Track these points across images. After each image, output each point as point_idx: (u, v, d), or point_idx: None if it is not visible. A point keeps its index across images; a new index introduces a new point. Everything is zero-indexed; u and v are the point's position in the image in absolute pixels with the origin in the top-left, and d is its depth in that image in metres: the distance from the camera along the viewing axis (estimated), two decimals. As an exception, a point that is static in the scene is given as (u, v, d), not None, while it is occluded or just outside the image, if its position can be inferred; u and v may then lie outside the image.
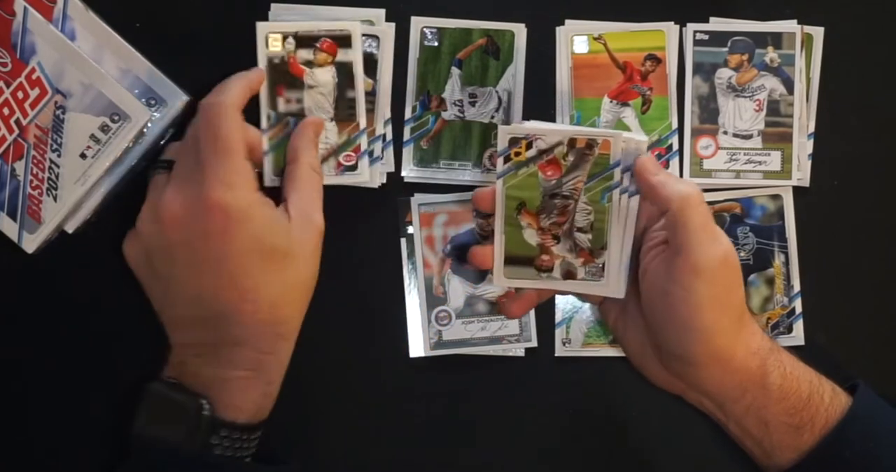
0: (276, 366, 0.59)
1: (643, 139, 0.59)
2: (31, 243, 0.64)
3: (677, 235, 0.56)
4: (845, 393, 0.60)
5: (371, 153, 0.65)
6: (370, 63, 0.65)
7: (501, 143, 0.59)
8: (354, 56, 0.64)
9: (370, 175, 0.65)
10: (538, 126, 0.60)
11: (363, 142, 0.64)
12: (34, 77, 0.62)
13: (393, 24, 0.65)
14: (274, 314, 0.58)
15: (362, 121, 0.64)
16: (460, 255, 0.66)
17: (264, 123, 0.63)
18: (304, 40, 0.63)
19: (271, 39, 0.63)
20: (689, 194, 0.56)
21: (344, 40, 0.64)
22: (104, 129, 0.63)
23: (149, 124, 0.63)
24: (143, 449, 0.58)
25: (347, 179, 0.64)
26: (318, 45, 0.63)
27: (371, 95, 0.65)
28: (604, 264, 0.60)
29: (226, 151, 0.57)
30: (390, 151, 0.66)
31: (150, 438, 0.57)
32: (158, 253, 0.59)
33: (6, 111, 0.63)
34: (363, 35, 0.64)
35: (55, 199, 0.63)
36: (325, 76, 0.64)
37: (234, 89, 0.60)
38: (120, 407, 0.65)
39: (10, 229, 0.64)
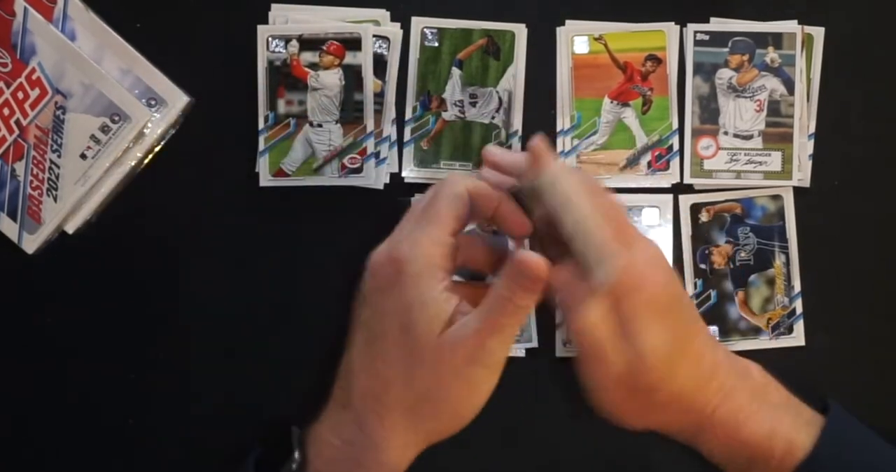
0: (370, 452, 0.56)
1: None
2: (31, 244, 0.64)
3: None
4: (809, 434, 0.57)
5: (378, 154, 0.65)
6: (380, 64, 0.65)
7: None
8: (364, 58, 0.64)
9: (375, 176, 0.65)
10: None
11: (370, 144, 0.64)
12: (34, 77, 0.62)
13: (398, 24, 0.65)
14: (384, 392, 0.54)
15: (369, 123, 0.64)
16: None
17: (262, 123, 0.63)
18: (308, 43, 0.63)
19: (273, 43, 0.63)
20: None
21: (352, 43, 0.64)
22: (104, 129, 0.63)
23: (149, 125, 0.63)
24: None
25: (352, 182, 0.64)
26: (324, 47, 0.63)
27: (379, 97, 0.65)
28: None
29: (430, 220, 0.54)
30: (393, 151, 0.66)
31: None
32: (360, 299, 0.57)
33: (6, 112, 0.63)
34: (373, 36, 0.64)
35: (55, 199, 0.63)
36: (331, 79, 0.64)
37: (470, 180, 0.56)
38: (119, 407, 0.65)
39: (10, 230, 0.64)
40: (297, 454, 0.55)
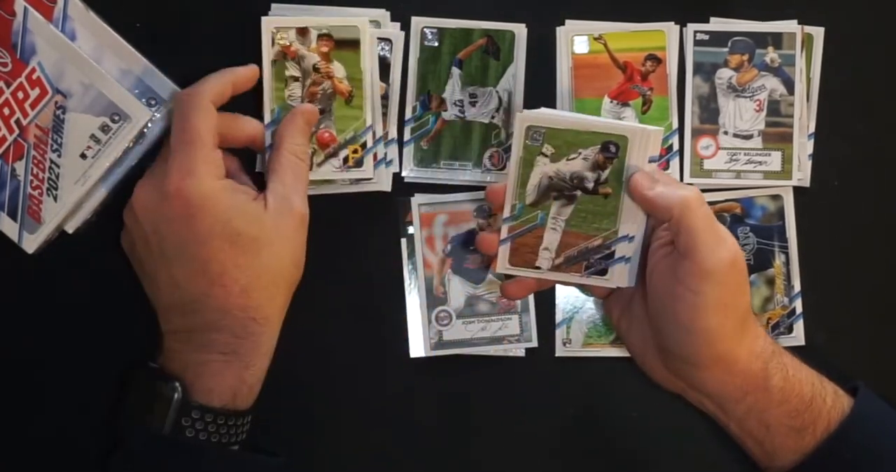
0: (252, 351, 0.59)
1: (657, 129, 0.59)
2: (31, 243, 0.64)
3: (683, 239, 0.56)
4: (847, 395, 0.60)
5: (385, 156, 0.65)
6: (383, 67, 0.65)
7: (518, 131, 0.59)
8: (363, 52, 0.64)
9: (379, 177, 0.65)
10: (554, 115, 0.60)
11: (369, 138, 0.64)
12: (34, 77, 0.62)
13: (398, 24, 0.66)
14: (245, 299, 0.58)
15: (368, 117, 0.64)
16: (467, 241, 0.66)
17: (267, 117, 0.63)
18: (312, 34, 0.64)
19: (279, 34, 0.63)
20: (688, 198, 0.56)
21: (351, 42, 0.64)
22: (104, 129, 0.63)
23: (149, 124, 0.63)
24: (125, 436, 0.59)
25: (353, 175, 0.64)
26: (324, 40, 0.64)
27: (385, 99, 0.65)
28: (613, 254, 0.60)
29: (191, 141, 0.58)
30: (393, 149, 0.66)
31: (131, 424, 0.59)
32: (138, 243, 0.61)
33: (6, 111, 0.63)
34: (378, 38, 0.65)
35: (55, 199, 0.63)
36: (338, 70, 0.64)
37: (211, 82, 0.61)
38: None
39: (10, 229, 0.64)
40: (175, 383, 0.58)
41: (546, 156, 0.59)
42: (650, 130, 0.58)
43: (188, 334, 0.59)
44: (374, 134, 0.64)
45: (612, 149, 0.58)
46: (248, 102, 0.64)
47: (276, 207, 0.60)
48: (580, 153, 0.59)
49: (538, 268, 0.60)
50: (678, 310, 0.57)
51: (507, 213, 0.60)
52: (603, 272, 0.60)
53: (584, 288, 0.66)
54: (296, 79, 0.64)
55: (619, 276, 0.60)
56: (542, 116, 0.59)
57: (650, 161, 0.58)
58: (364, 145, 0.64)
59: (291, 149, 0.61)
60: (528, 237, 0.60)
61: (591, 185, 0.59)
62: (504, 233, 0.61)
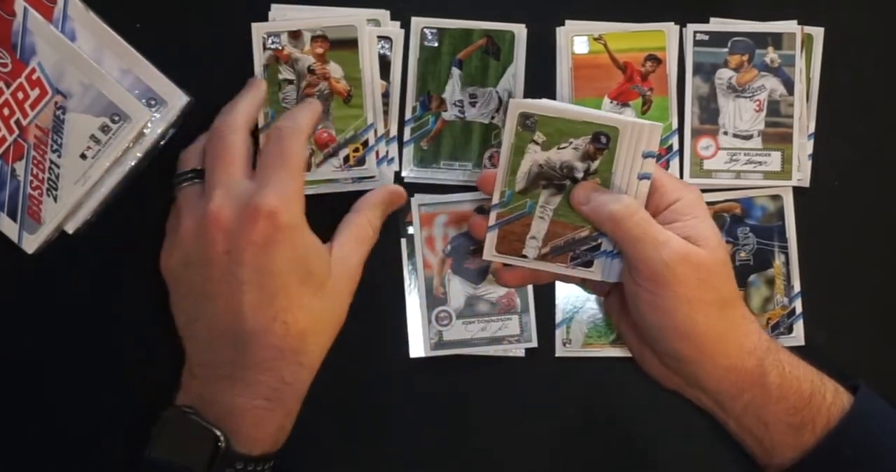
0: (295, 398, 0.59)
1: (653, 124, 0.58)
2: (31, 244, 0.64)
3: (623, 249, 0.58)
4: (847, 393, 0.60)
5: (387, 154, 0.65)
6: (384, 66, 0.65)
7: (511, 117, 0.59)
8: (361, 51, 0.64)
9: (381, 175, 0.65)
10: (548, 104, 0.60)
11: (370, 137, 0.64)
12: (34, 77, 0.62)
13: (398, 23, 0.66)
14: (301, 342, 0.57)
15: (370, 115, 0.64)
16: (467, 241, 0.66)
17: (261, 120, 0.63)
18: (304, 37, 0.64)
19: (269, 39, 0.63)
20: (615, 214, 0.57)
21: (350, 42, 0.64)
22: (104, 129, 0.63)
23: (149, 125, 0.63)
24: None
25: (357, 174, 0.64)
26: (319, 42, 0.64)
27: (385, 97, 0.65)
28: (599, 246, 0.60)
29: (291, 169, 0.58)
30: (392, 147, 0.66)
31: (163, 465, 0.57)
32: (199, 264, 0.57)
33: (6, 112, 0.63)
34: (378, 37, 0.65)
35: (55, 199, 0.63)
36: (335, 70, 0.64)
37: (305, 116, 0.61)
38: (122, 408, 0.65)
39: (10, 230, 0.64)
40: (217, 432, 0.56)
41: (537, 144, 0.59)
42: (643, 124, 0.58)
43: (231, 371, 0.56)
44: (375, 132, 0.65)
45: (602, 140, 0.58)
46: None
47: (339, 258, 0.60)
48: (571, 143, 0.59)
49: (525, 256, 0.60)
50: (643, 310, 0.58)
51: (496, 199, 0.60)
52: (588, 264, 0.60)
53: (584, 286, 0.66)
54: (290, 82, 0.64)
55: (604, 269, 0.60)
56: (536, 103, 0.59)
57: (647, 157, 0.58)
58: (365, 144, 0.65)
59: (370, 219, 0.62)
60: (515, 225, 0.60)
61: (580, 175, 0.59)
62: (492, 219, 0.60)
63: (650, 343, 0.61)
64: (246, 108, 0.61)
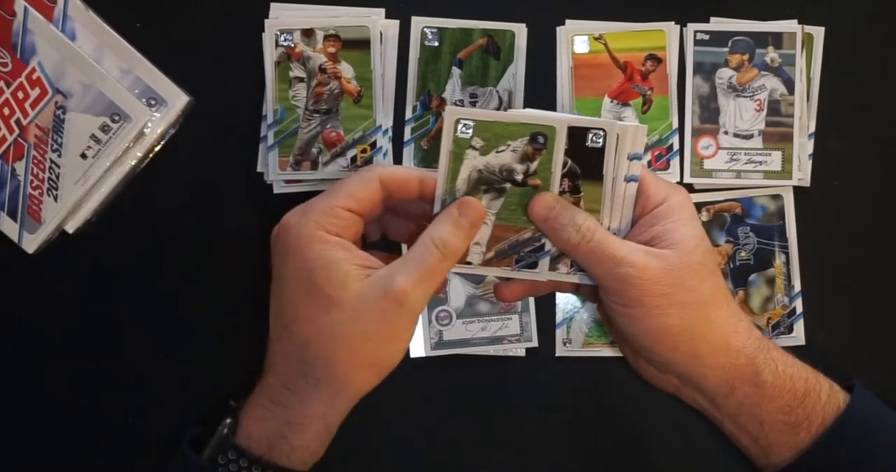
0: (296, 409, 0.58)
1: (641, 126, 0.58)
2: (31, 243, 0.64)
3: (585, 269, 0.58)
4: (843, 391, 0.60)
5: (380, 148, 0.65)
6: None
7: (448, 124, 0.58)
8: (373, 51, 0.64)
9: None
10: (486, 112, 0.59)
11: (378, 138, 0.64)
12: (34, 77, 0.62)
13: (397, 22, 0.66)
14: (303, 352, 0.57)
15: (379, 117, 0.64)
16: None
17: (270, 117, 0.63)
18: (315, 35, 0.64)
19: (282, 36, 0.63)
20: (570, 240, 0.57)
21: (361, 42, 0.64)
22: (104, 129, 0.63)
23: (149, 124, 0.63)
24: (176, 456, 0.59)
25: None
26: (333, 39, 0.64)
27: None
28: (543, 246, 0.59)
29: (329, 192, 0.58)
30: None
31: (187, 447, 0.59)
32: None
33: (6, 111, 0.63)
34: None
35: (55, 199, 0.63)
36: (346, 70, 0.64)
37: (388, 168, 0.59)
38: (119, 406, 0.65)
39: (11, 229, 0.64)
40: (228, 420, 0.58)
41: (476, 149, 0.58)
42: (627, 126, 0.57)
43: (264, 369, 0.59)
44: (384, 133, 0.65)
45: (540, 140, 0.58)
46: (251, 103, 0.64)
47: (376, 279, 0.56)
48: (509, 145, 0.58)
49: (469, 263, 0.60)
50: (619, 321, 0.58)
51: (437, 208, 0.59)
52: (533, 265, 0.60)
53: (578, 294, 0.66)
54: (300, 79, 0.64)
55: (549, 269, 0.60)
56: (472, 111, 0.59)
57: (632, 159, 0.58)
58: (373, 145, 0.65)
59: (431, 232, 0.57)
60: None
61: (520, 177, 0.59)
62: None
63: (635, 350, 0.61)
64: (396, 171, 0.59)
